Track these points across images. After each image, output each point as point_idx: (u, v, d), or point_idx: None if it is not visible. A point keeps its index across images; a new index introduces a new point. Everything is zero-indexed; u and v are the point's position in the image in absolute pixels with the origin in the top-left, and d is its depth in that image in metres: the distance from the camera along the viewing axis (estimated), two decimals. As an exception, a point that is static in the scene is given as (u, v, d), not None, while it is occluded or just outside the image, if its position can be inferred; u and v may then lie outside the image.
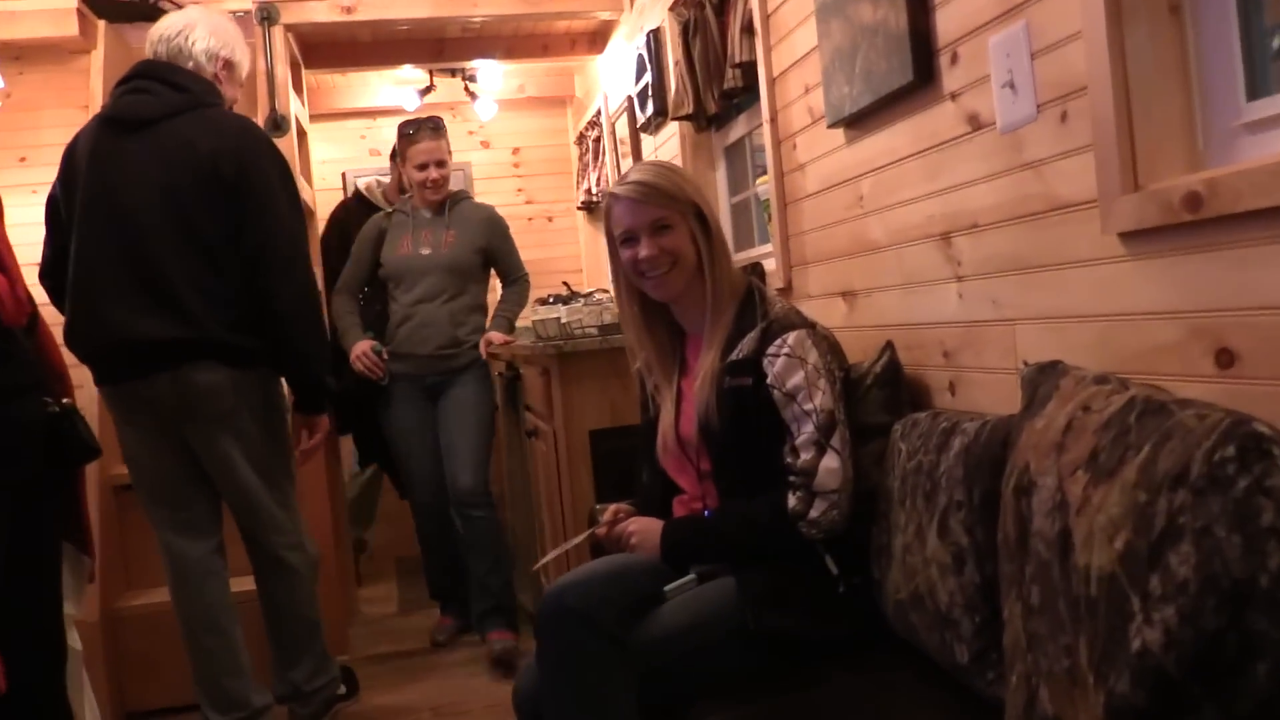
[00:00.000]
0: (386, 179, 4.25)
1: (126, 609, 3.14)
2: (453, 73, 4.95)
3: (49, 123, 3.65)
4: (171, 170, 2.33)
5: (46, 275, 2.51)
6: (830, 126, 2.14)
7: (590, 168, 4.99)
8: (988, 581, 1.40)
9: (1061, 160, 1.43)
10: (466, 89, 5.01)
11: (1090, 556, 1.02)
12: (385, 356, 3.42)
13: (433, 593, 3.73)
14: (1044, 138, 1.47)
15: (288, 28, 3.77)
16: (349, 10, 3.77)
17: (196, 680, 2.52)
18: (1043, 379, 1.33)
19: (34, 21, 3.55)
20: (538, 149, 5.68)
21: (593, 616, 1.64)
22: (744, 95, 2.82)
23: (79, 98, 3.67)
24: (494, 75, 5.10)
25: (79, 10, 3.54)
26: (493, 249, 3.50)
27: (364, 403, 3.54)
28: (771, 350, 1.76)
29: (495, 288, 3.66)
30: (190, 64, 2.46)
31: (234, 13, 4.08)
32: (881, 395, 1.86)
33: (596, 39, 4.54)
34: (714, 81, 2.93)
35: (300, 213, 2.48)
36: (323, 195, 4.70)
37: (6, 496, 1.82)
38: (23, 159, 3.60)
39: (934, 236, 1.81)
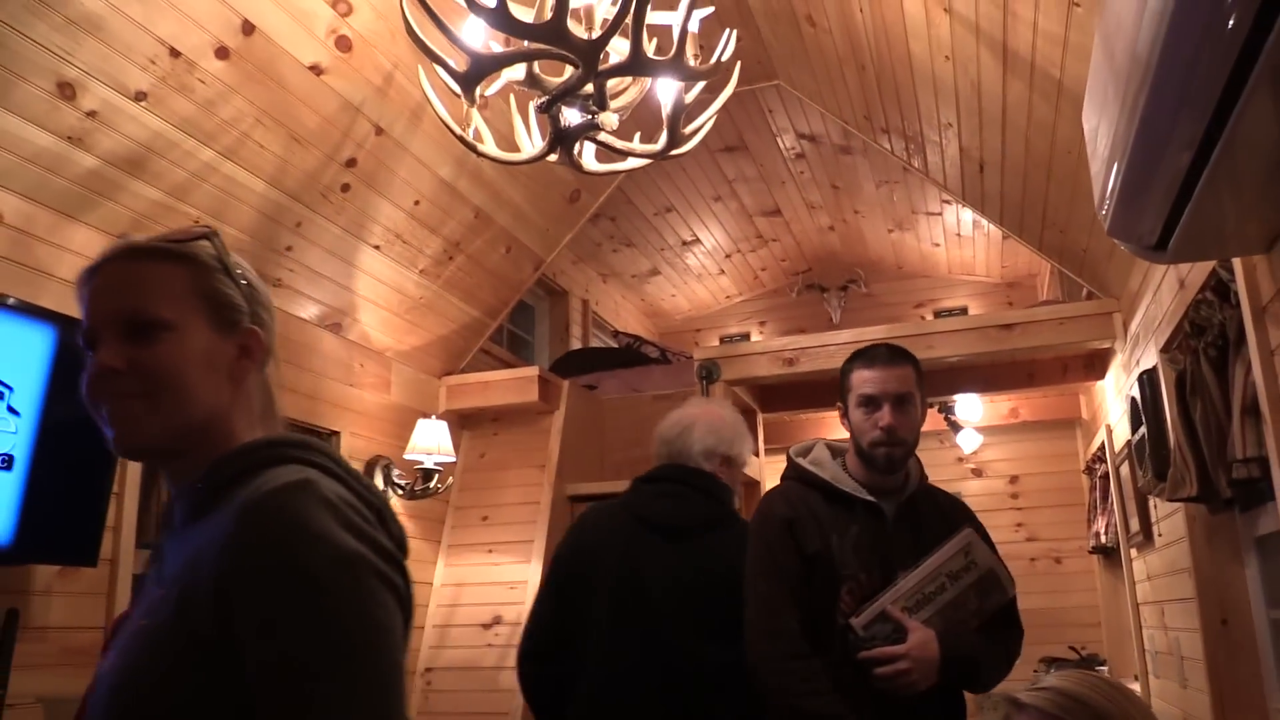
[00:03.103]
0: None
1: None
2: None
3: (511, 482, 3.80)
4: (710, 591, 2.03)
5: (531, 659, 2.14)
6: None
7: (1099, 509, 4.09)
8: None
9: None
10: (946, 419, 4.47)
11: None
12: None
13: None
14: None
15: (731, 383, 3.61)
16: (791, 362, 3.52)
17: None
18: None
19: (504, 389, 3.80)
20: (1040, 476, 4.88)
21: None
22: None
23: (538, 458, 3.80)
24: (975, 403, 4.52)
25: (540, 377, 3.73)
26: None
27: None
28: None
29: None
30: (690, 465, 2.21)
31: (678, 354, 4.07)
32: None
33: (1094, 362, 3.78)
34: (1221, 463, 2.11)
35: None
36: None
37: None
38: (485, 518, 3.74)
39: None
